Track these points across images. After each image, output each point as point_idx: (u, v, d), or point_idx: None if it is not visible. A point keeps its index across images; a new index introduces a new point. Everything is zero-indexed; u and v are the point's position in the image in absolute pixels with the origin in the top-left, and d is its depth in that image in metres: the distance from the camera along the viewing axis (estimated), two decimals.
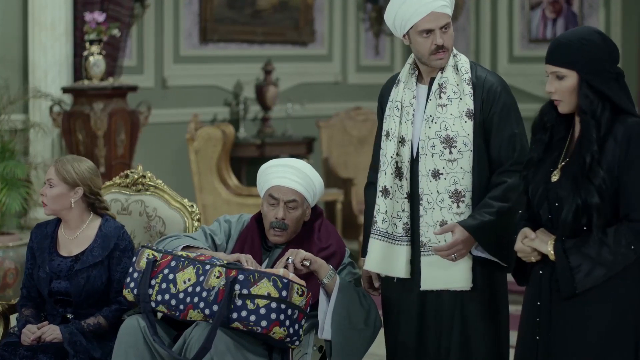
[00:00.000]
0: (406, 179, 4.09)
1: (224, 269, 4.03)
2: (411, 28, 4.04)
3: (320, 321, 4.15)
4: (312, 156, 9.65)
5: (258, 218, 4.42)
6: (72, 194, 4.38)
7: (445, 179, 4.02)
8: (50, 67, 7.94)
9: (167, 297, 4.08)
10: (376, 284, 4.25)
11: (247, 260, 4.15)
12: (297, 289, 3.99)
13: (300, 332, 4.01)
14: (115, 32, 7.96)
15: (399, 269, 4.11)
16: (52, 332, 4.25)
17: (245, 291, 3.96)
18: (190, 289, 4.05)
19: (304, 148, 9.70)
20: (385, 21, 4.16)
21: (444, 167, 4.02)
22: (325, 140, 9.79)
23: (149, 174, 4.81)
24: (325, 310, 4.13)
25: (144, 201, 4.73)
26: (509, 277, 4.09)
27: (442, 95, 4.05)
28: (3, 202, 7.22)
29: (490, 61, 10.33)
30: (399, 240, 4.10)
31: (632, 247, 3.36)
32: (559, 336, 3.50)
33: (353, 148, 9.92)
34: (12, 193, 7.23)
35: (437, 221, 4.02)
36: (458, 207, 4.00)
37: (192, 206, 4.71)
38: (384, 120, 4.18)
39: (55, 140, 8.07)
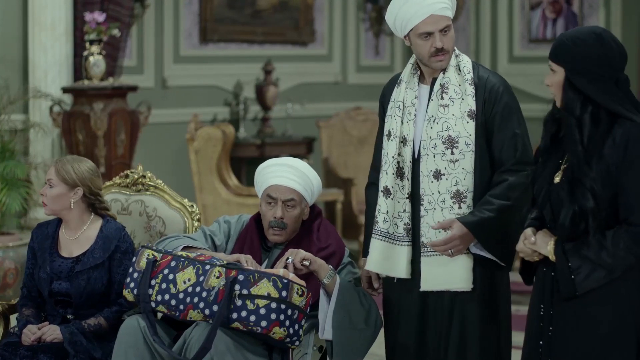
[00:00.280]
0: (407, 179, 4.09)
1: (224, 269, 4.03)
2: (411, 30, 4.04)
3: (321, 321, 4.15)
4: (312, 156, 9.65)
5: (257, 218, 4.42)
6: (71, 195, 4.38)
7: (446, 179, 4.02)
8: (50, 67, 7.93)
9: (167, 297, 4.08)
10: (375, 285, 4.25)
11: (247, 261, 4.15)
12: (297, 289, 3.99)
13: (300, 332, 4.01)
14: (115, 32, 7.95)
15: (400, 270, 4.10)
16: (52, 332, 4.25)
17: (245, 291, 3.96)
18: (190, 289, 4.05)
19: (304, 148, 9.70)
20: (386, 21, 4.16)
21: (445, 168, 4.02)
22: (325, 140, 9.79)
23: (149, 174, 4.81)
24: (326, 311, 4.13)
25: (144, 201, 4.73)
26: (512, 278, 4.09)
27: (443, 95, 4.05)
28: (3, 202, 7.22)
29: (490, 61, 10.33)
30: (399, 241, 4.10)
31: (631, 250, 3.36)
32: (560, 337, 3.50)
33: (353, 148, 9.92)
34: (12, 193, 7.23)
35: (438, 222, 4.02)
36: (459, 207, 4.00)
37: (192, 206, 4.71)
38: (386, 120, 4.17)
39: (55, 140, 8.07)
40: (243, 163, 9.40)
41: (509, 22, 10.34)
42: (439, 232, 4.01)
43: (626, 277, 3.42)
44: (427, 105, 4.08)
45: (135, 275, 4.15)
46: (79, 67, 8.02)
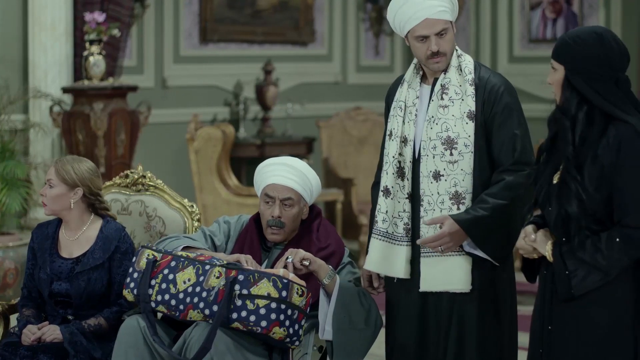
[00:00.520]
0: (408, 179, 4.08)
1: (224, 269, 4.03)
2: (408, 32, 4.05)
3: (321, 322, 4.15)
4: (312, 156, 9.65)
5: (257, 218, 4.42)
6: (71, 195, 4.38)
7: (445, 180, 4.01)
8: (50, 67, 7.93)
9: (167, 297, 4.08)
10: (375, 284, 4.25)
11: (247, 261, 4.15)
12: (297, 289, 3.99)
13: (300, 332, 4.01)
14: (115, 32, 7.95)
15: (398, 269, 4.10)
16: (52, 332, 4.25)
17: (245, 291, 3.96)
18: (190, 289, 4.05)
19: (304, 148, 9.70)
20: (387, 20, 4.16)
21: (444, 169, 4.01)
22: (325, 140, 9.79)
23: (149, 174, 4.81)
24: (326, 311, 4.13)
25: (144, 201, 4.73)
26: (518, 278, 4.08)
27: (443, 96, 4.05)
28: (3, 202, 7.22)
29: (490, 61, 10.32)
30: (399, 241, 4.09)
31: (625, 252, 3.36)
32: (559, 337, 3.50)
33: (353, 148, 9.92)
34: (12, 193, 7.23)
35: (432, 218, 4.01)
36: (458, 208, 4.00)
37: (192, 206, 4.71)
38: (388, 120, 4.17)
39: (55, 140, 8.07)
40: (243, 163, 9.40)
41: (509, 22, 10.34)
42: (437, 229, 4.00)
43: (623, 279, 3.41)
44: (428, 105, 4.08)
45: (135, 275, 4.15)
46: (79, 67, 8.02)
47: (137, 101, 8.24)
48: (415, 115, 4.10)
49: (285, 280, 3.98)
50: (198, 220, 4.68)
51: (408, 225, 4.09)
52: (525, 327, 3.74)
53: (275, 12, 9.94)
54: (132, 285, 4.15)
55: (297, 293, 3.98)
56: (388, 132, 4.15)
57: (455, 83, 4.05)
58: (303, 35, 10.15)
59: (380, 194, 4.13)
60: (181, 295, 4.06)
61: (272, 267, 4.22)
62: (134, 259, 4.20)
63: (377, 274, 4.23)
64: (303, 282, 4.03)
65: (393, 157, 4.10)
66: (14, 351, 4.23)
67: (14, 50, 8.03)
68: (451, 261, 4.01)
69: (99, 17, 7.78)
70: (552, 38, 9.96)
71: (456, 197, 3.99)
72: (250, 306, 3.95)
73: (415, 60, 4.17)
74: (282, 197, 4.31)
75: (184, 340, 4.02)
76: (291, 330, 3.98)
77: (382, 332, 4.25)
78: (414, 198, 4.09)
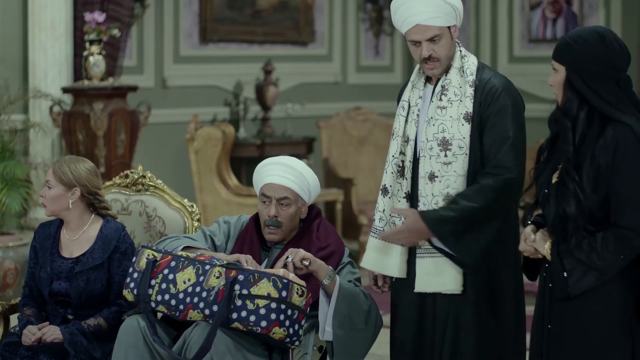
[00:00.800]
0: (407, 179, 4.08)
1: (224, 269, 4.03)
2: (405, 34, 4.06)
3: (321, 322, 4.15)
4: (312, 156, 9.65)
5: (257, 218, 4.42)
6: (69, 195, 4.38)
7: (440, 181, 3.99)
8: (50, 67, 7.94)
9: (167, 297, 4.08)
10: (380, 283, 4.24)
11: (247, 261, 4.15)
12: (297, 289, 3.99)
13: (300, 332, 4.01)
14: (115, 32, 7.95)
15: (393, 268, 4.10)
16: (52, 332, 4.25)
17: (245, 291, 3.96)
18: (190, 289, 4.05)
19: (304, 148, 9.69)
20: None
21: (439, 170, 4.00)
22: (325, 140, 9.79)
23: (149, 174, 4.81)
24: (326, 311, 4.13)
25: (144, 201, 4.73)
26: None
27: (442, 97, 4.04)
28: (3, 202, 7.22)
29: (490, 61, 10.32)
30: None
31: (620, 252, 3.36)
32: (558, 337, 3.50)
33: (353, 148, 9.92)
34: (12, 193, 7.23)
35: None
36: None
37: (192, 206, 4.71)
38: (395, 120, 4.18)
39: (55, 140, 8.07)
40: (243, 163, 9.40)
41: (509, 22, 10.34)
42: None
43: (620, 279, 3.42)
44: (429, 106, 4.08)
45: (135, 275, 4.15)
46: (79, 67, 8.02)
47: (137, 101, 8.24)
48: (417, 115, 4.10)
49: (285, 280, 3.97)
50: (198, 220, 4.68)
51: None
52: (527, 327, 3.74)
53: (275, 12, 9.94)
54: (132, 285, 4.15)
55: (297, 293, 3.98)
56: (392, 132, 4.16)
57: (456, 84, 4.05)
58: (303, 35, 10.15)
59: (380, 192, 4.13)
60: (181, 295, 4.06)
61: (272, 266, 4.22)
62: (134, 259, 4.20)
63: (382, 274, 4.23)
64: (303, 282, 4.03)
65: (393, 156, 4.10)
66: (14, 351, 4.23)
67: (14, 50, 8.03)
68: (444, 263, 3.99)
69: (99, 17, 7.78)
70: (552, 38, 9.95)
71: (448, 199, 3.97)
72: (250, 306, 3.95)
73: None
74: (279, 197, 4.31)
75: (184, 340, 4.02)
76: (291, 330, 3.97)
77: (383, 332, 4.25)
78: (412, 198, 4.08)
